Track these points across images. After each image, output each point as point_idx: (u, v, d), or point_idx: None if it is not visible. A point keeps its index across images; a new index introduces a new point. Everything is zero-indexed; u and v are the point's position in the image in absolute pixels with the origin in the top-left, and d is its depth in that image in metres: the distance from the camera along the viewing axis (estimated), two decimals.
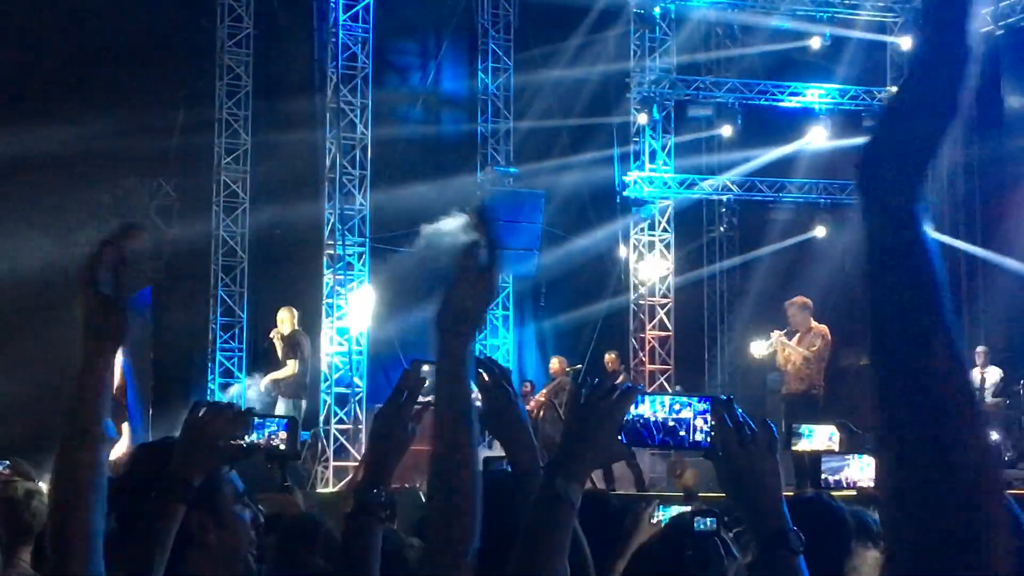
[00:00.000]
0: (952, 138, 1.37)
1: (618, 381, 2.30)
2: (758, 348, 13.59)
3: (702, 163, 19.35)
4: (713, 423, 2.34)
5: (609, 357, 16.24)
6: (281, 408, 13.39)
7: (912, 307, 1.23)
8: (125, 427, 19.40)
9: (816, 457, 3.38)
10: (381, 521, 2.49)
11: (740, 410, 2.33)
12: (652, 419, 2.41)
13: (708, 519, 3.08)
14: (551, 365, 15.91)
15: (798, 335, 12.95)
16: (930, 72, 1.33)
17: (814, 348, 12.77)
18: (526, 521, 2.27)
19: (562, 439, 2.33)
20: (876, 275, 1.27)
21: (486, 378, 2.57)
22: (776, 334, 13.28)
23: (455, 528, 2.20)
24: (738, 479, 2.29)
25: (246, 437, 2.49)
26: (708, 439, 2.36)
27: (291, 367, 13.62)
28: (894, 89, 1.40)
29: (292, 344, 13.75)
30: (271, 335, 14.13)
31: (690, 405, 2.39)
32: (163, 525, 2.29)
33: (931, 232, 1.29)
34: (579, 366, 17.17)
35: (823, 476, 3.32)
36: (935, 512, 1.18)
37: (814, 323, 12.97)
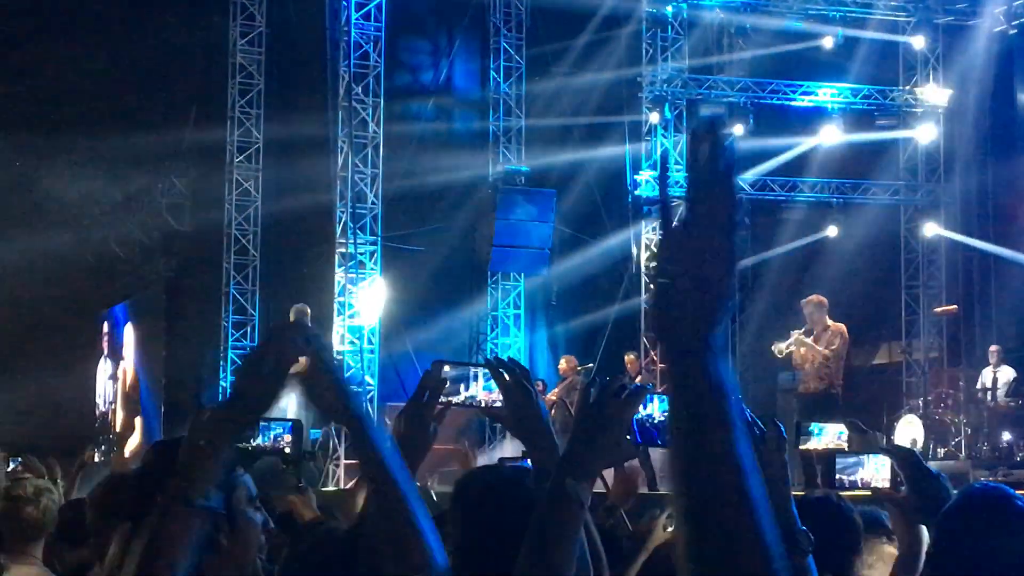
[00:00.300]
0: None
1: (637, 381, 2.30)
2: (779, 348, 13.58)
3: None
4: None
5: (629, 358, 16.22)
6: (293, 401, 13.33)
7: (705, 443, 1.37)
8: (138, 421, 19.53)
9: (831, 457, 3.36)
10: None
11: (748, 410, 2.32)
12: (662, 419, 2.41)
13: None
14: (560, 365, 15.90)
15: (815, 333, 12.94)
16: (703, 229, 1.46)
17: (833, 347, 12.78)
18: (535, 521, 2.27)
19: (570, 439, 2.32)
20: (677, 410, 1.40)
21: (507, 378, 2.57)
22: (796, 333, 13.27)
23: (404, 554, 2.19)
24: None
25: (252, 441, 2.47)
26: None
27: (301, 362, 13.57)
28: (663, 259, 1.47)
29: (306, 339, 13.72)
30: None
31: None
32: (177, 527, 2.26)
33: (725, 367, 1.41)
34: (590, 365, 17.17)
35: (837, 476, 3.31)
36: None
37: (831, 321, 12.96)
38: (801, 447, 3.92)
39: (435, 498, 6.40)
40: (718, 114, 1.43)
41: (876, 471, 3.27)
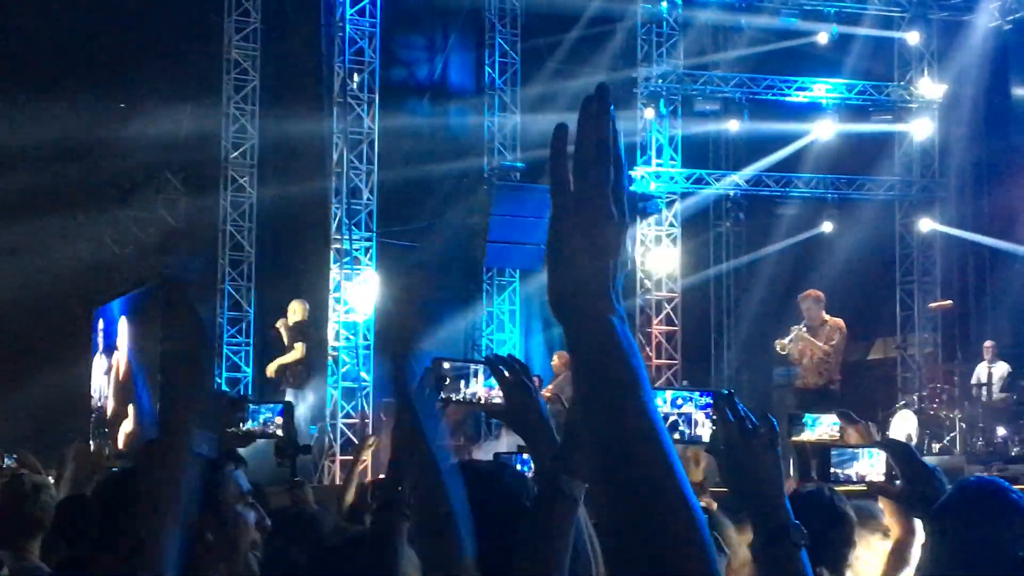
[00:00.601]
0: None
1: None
2: (782, 344, 13.59)
3: (709, 158, 19.34)
4: (715, 417, 2.34)
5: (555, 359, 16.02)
6: (289, 398, 13.36)
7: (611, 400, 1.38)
8: (131, 408, 19.52)
9: (826, 450, 3.37)
10: (406, 518, 2.48)
11: (741, 404, 2.33)
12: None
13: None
14: (553, 361, 15.83)
15: (813, 329, 12.94)
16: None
17: (833, 342, 12.77)
18: (529, 517, 2.27)
19: (563, 435, 2.33)
20: (584, 380, 1.42)
21: (507, 375, 2.57)
22: (796, 329, 13.28)
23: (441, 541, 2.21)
24: (740, 473, 2.30)
25: (242, 425, 2.47)
26: (711, 433, 2.35)
27: (299, 350, 13.53)
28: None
29: (301, 330, 13.65)
30: (277, 324, 13.98)
31: (692, 400, 2.39)
32: (171, 475, 2.26)
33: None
34: None
35: (832, 470, 3.31)
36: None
37: (828, 316, 12.94)
38: (794, 439, 3.92)
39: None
40: (604, 84, 1.45)
41: (871, 465, 3.27)
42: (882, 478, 3.26)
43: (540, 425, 2.63)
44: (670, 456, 1.35)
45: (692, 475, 5.39)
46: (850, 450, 3.31)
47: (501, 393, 2.59)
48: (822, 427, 3.82)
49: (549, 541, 2.23)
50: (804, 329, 13.10)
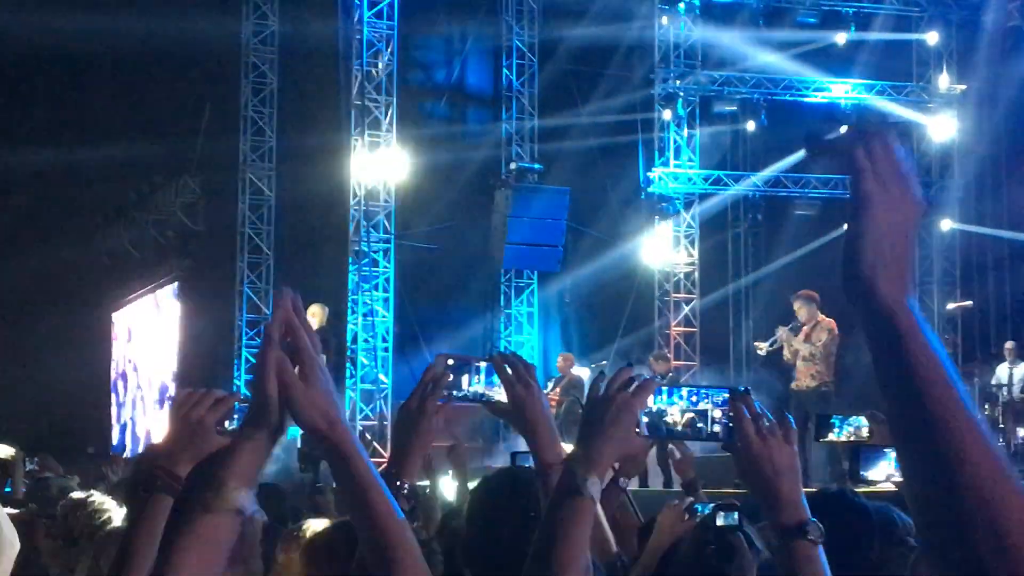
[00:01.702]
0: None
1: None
2: (761, 346, 13.54)
3: (727, 159, 19.31)
4: (731, 415, 2.35)
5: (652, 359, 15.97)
6: None
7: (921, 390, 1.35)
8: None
9: (855, 450, 3.35)
10: (404, 515, 2.48)
11: (758, 402, 2.33)
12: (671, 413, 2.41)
13: (732, 513, 3.11)
14: (558, 362, 15.69)
15: (805, 329, 12.81)
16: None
17: (820, 343, 12.59)
18: (545, 516, 2.27)
19: (580, 432, 2.33)
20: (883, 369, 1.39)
21: (509, 372, 2.57)
22: (781, 330, 13.23)
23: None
24: (757, 471, 2.30)
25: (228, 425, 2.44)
26: (727, 431, 2.36)
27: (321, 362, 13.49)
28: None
29: (323, 338, 13.62)
30: None
31: (708, 397, 2.39)
32: (150, 518, 2.21)
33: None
34: (604, 362, 17.15)
35: (860, 471, 3.30)
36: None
37: (820, 316, 12.79)
38: (822, 440, 3.91)
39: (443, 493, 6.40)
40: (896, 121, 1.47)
41: (898, 466, 3.26)
42: None
43: (541, 424, 2.63)
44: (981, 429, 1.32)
45: (687, 474, 5.38)
46: (878, 450, 3.29)
47: (503, 390, 2.60)
48: (850, 428, 3.82)
49: (566, 540, 2.22)
50: (789, 330, 12.97)
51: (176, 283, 19.31)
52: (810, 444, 12.30)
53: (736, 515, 3.07)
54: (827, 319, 12.65)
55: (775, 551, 2.27)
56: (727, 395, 2.38)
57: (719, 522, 3.05)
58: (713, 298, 19.11)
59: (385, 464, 2.70)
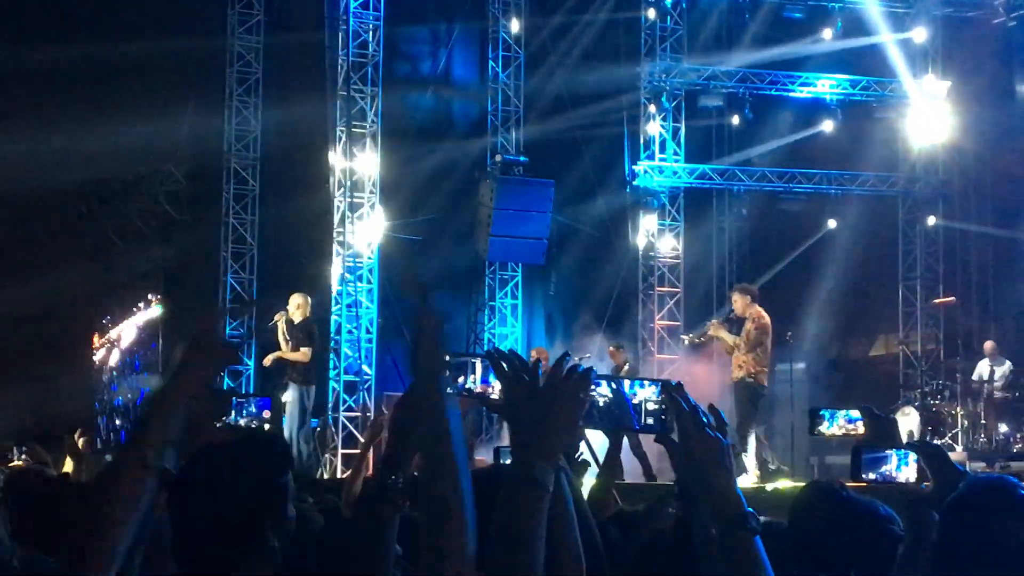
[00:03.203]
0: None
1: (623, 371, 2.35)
2: (689, 337, 13.57)
3: (712, 152, 19.33)
4: (665, 407, 2.38)
5: (610, 349, 15.97)
6: (292, 394, 13.32)
7: None
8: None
9: (856, 450, 3.34)
10: (397, 508, 2.47)
11: (691, 397, 2.37)
12: (603, 402, 2.45)
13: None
14: (531, 355, 15.66)
15: (732, 321, 12.82)
16: None
17: (747, 334, 12.57)
18: (499, 507, 2.27)
19: (528, 423, 2.35)
20: None
21: (507, 369, 2.56)
22: (713, 321, 13.27)
23: (445, 537, 2.21)
24: (691, 463, 2.32)
25: (226, 419, 2.44)
26: (660, 423, 2.40)
27: (305, 353, 13.42)
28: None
29: (307, 331, 13.54)
30: (276, 317, 13.77)
31: (644, 388, 2.42)
32: (129, 493, 2.22)
33: None
34: (588, 355, 17.15)
35: (862, 472, 3.30)
36: None
37: (752, 308, 12.80)
38: (814, 432, 3.92)
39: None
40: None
41: (899, 468, 3.25)
42: (914, 479, 3.25)
43: (546, 419, 2.62)
44: None
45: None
46: (881, 452, 3.29)
47: (499, 387, 2.59)
48: (839, 422, 3.82)
49: (523, 531, 2.23)
50: (725, 320, 12.98)
51: (159, 274, 19.24)
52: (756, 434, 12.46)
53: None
54: (759, 311, 12.66)
55: (713, 541, 2.31)
56: (661, 388, 2.41)
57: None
58: (697, 290, 19.10)
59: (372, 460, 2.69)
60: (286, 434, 12.85)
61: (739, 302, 12.73)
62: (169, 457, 2.20)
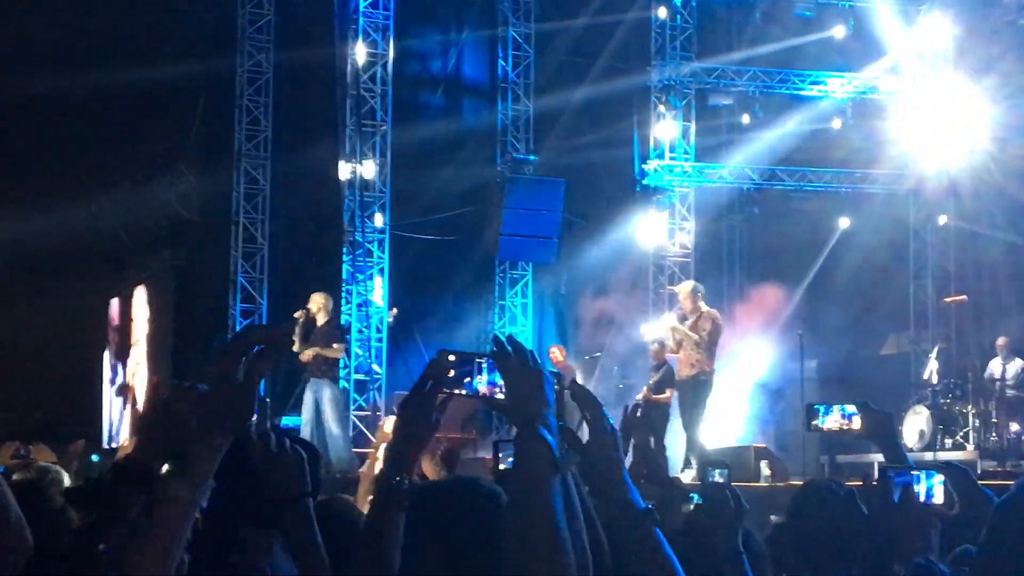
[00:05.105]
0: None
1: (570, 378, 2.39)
2: (649, 330, 13.52)
3: (722, 151, 19.28)
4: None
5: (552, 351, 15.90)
6: (327, 390, 13.10)
7: None
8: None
9: (883, 471, 3.27)
10: (403, 509, 2.47)
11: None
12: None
13: (722, 471, 3.17)
14: (552, 356, 15.63)
15: (690, 320, 12.77)
16: None
17: (704, 331, 12.54)
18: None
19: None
20: None
21: (514, 364, 2.53)
22: (667, 317, 13.24)
23: None
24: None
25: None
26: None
27: (339, 349, 13.35)
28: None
29: (336, 327, 13.49)
30: (297, 314, 13.61)
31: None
32: (121, 513, 2.21)
33: None
34: (598, 354, 17.16)
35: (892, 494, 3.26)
36: None
37: (704, 307, 12.76)
38: (811, 428, 3.91)
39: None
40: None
41: (929, 489, 3.20)
42: (941, 502, 3.21)
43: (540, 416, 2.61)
44: None
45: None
46: (907, 473, 3.24)
47: (503, 388, 2.56)
48: (834, 415, 3.81)
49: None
50: (679, 319, 12.94)
51: (170, 273, 19.27)
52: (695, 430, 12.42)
53: (726, 472, 3.14)
54: (710, 310, 12.68)
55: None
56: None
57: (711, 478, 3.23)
58: (708, 289, 19.02)
59: (380, 459, 2.70)
60: (334, 431, 12.80)
61: (689, 300, 12.72)
62: (204, 492, 2.18)
